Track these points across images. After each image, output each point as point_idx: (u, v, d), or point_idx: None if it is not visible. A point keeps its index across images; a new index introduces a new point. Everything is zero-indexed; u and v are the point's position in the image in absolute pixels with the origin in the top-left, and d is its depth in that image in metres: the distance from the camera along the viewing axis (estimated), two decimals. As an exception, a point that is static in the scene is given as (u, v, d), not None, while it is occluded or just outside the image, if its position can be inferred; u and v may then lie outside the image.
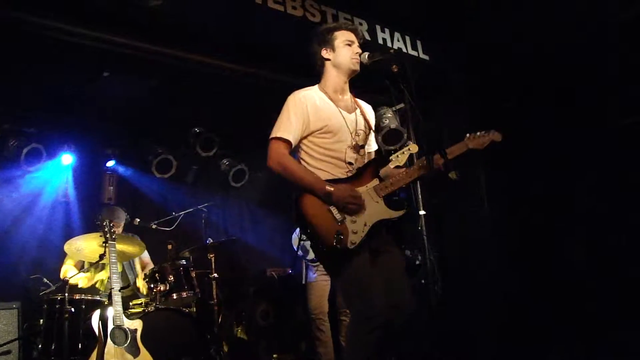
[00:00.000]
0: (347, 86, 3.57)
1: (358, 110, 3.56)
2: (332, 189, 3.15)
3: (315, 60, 3.58)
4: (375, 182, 3.29)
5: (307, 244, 5.68)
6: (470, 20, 6.18)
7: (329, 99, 3.46)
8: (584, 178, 5.95)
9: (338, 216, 3.14)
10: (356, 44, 3.53)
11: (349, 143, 3.41)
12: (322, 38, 3.55)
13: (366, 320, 3.00)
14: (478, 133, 3.44)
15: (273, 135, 3.33)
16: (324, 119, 3.36)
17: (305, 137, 3.38)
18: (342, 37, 3.51)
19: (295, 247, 5.87)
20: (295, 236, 5.91)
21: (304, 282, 5.71)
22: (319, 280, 5.56)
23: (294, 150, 3.41)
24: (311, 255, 5.57)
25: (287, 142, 3.31)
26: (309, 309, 5.56)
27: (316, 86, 3.54)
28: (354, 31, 3.59)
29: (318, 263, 5.47)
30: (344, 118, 3.42)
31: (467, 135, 3.44)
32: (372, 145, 3.64)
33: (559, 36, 5.95)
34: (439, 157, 3.24)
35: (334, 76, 3.52)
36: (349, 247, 3.08)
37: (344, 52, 3.48)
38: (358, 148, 3.45)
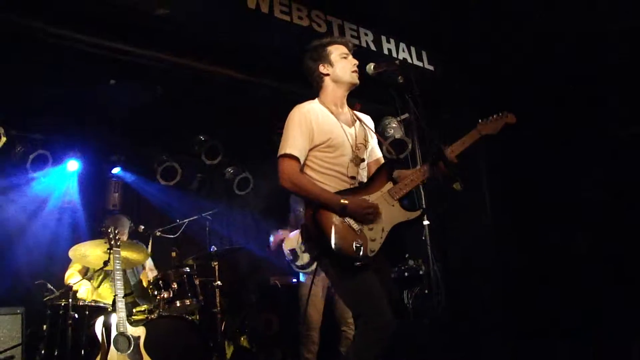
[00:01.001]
0: (345, 100, 3.57)
1: (357, 123, 3.57)
2: (346, 202, 3.16)
3: (312, 77, 3.57)
4: (389, 185, 3.32)
5: (298, 250, 5.62)
6: (475, 32, 6.20)
7: (330, 112, 3.46)
8: (589, 186, 5.95)
9: (355, 226, 3.15)
10: (351, 55, 3.54)
11: (351, 157, 3.41)
12: (316, 54, 3.54)
13: (378, 329, 3.03)
14: (490, 117, 3.43)
15: (282, 152, 3.33)
16: (327, 132, 3.36)
17: (309, 151, 3.37)
18: (336, 51, 3.52)
19: (285, 252, 5.80)
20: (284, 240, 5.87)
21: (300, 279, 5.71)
22: (314, 293, 5.45)
23: None
24: (300, 261, 5.53)
25: (296, 158, 3.30)
26: (308, 323, 5.37)
27: (316, 100, 3.53)
28: (345, 44, 3.59)
29: (310, 269, 5.44)
30: (345, 132, 3.42)
31: (480, 121, 3.43)
32: (377, 153, 3.65)
33: (562, 45, 5.97)
34: (445, 170, 3.26)
35: (333, 90, 3.51)
36: (369, 256, 3.11)
37: (342, 65, 3.48)
38: (359, 161, 3.45)
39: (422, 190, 3.41)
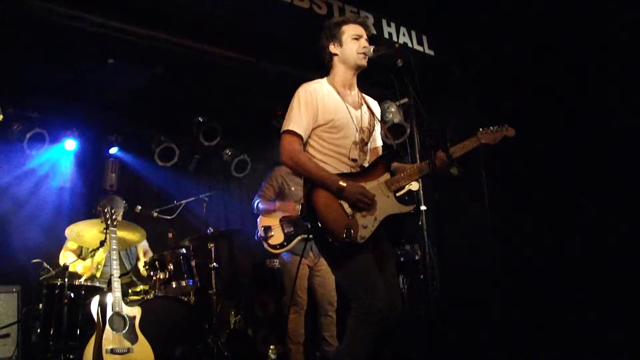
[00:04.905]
0: (354, 81, 3.54)
1: (365, 107, 3.55)
2: (344, 184, 3.15)
3: (323, 54, 3.54)
4: (387, 176, 3.31)
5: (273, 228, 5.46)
6: (475, 18, 6.16)
7: (337, 93, 3.44)
8: (585, 175, 5.95)
9: (349, 210, 3.15)
10: (364, 37, 3.48)
11: (354, 139, 3.40)
12: (330, 32, 3.51)
13: (372, 312, 3.03)
14: (491, 128, 3.41)
15: (285, 128, 3.32)
16: (331, 113, 3.35)
17: (312, 130, 3.37)
18: (349, 31, 3.46)
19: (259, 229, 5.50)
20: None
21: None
22: (301, 274, 5.18)
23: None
24: (273, 240, 5.30)
25: (299, 136, 3.29)
26: (296, 306, 5.17)
27: (325, 79, 3.52)
28: (362, 24, 3.53)
29: (282, 250, 5.28)
30: (350, 114, 3.41)
31: (480, 129, 3.41)
32: (378, 141, 3.64)
33: (562, 35, 5.95)
34: (442, 155, 3.24)
35: (342, 71, 3.49)
36: (359, 242, 3.10)
37: (350, 46, 3.43)
38: (362, 145, 3.45)
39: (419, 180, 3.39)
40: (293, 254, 5.27)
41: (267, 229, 5.37)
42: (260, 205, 5.49)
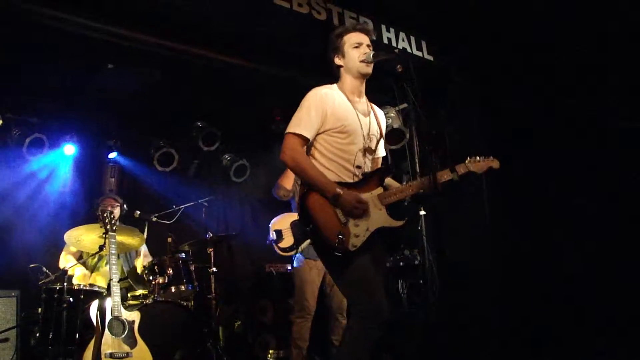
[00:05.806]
0: (363, 89, 3.56)
1: (372, 115, 3.57)
2: (341, 192, 3.16)
3: (331, 67, 3.57)
4: (380, 190, 3.32)
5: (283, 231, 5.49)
6: (475, 21, 6.17)
7: (347, 99, 3.46)
8: (585, 179, 5.95)
9: (342, 218, 3.17)
10: (365, 44, 3.48)
11: (361, 146, 3.42)
12: (333, 45, 3.53)
13: (373, 316, 3.06)
14: (477, 158, 3.44)
15: (291, 129, 3.31)
16: (341, 118, 3.36)
17: (319, 134, 3.37)
18: (350, 40, 3.48)
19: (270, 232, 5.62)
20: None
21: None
22: (311, 279, 5.22)
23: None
24: (284, 244, 5.36)
25: (304, 138, 3.30)
26: (304, 310, 5.16)
27: (335, 85, 3.53)
28: (362, 30, 3.54)
29: (292, 253, 5.32)
30: (359, 120, 3.42)
31: (468, 158, 3.45)
32: (380, 152, 3.65)
33: (563, 37, 5.96)
34: (446, 172, 3.28)
35: (349, 81, 3.51)
36: (350, 250, 3.12)
37: (352, 56, 3.45)
38: (369, 152, 3.47)
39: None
40: (305, 258, 5.30)
41: (279, 232, 5.43)
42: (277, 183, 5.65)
